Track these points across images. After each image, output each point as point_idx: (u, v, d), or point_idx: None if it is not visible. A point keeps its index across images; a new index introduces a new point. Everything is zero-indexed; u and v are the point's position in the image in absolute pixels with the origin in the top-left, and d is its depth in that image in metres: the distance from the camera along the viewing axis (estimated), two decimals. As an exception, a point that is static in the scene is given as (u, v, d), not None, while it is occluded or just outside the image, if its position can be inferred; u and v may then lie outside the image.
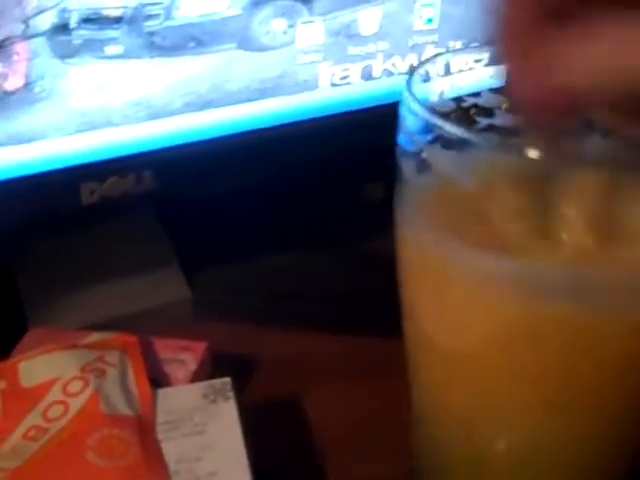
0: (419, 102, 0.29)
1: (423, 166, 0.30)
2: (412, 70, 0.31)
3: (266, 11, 0.46)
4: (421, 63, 0.32)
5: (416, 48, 0.51)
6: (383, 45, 0.50)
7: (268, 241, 0.55)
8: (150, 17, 0.42)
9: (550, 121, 0.26)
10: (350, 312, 0.51)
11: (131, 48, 0.43)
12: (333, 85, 0.50)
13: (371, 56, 0.50)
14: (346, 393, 0.46)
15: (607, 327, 0.30)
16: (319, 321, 0.51)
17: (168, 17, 0.43)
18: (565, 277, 0.29)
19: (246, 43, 0.46)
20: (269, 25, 0.46)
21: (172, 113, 0.46)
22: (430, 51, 0.51)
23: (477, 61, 0.42)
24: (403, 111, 0.30)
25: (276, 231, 0.56)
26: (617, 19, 0.24)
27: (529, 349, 0.30)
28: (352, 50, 0.50)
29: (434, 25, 0.51)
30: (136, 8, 0.42)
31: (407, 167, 0.30)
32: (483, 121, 0.37)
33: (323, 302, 0.52)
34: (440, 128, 0.28)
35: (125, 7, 0.42)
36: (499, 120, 0.37)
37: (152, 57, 0.44)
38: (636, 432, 0.33)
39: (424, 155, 0.29)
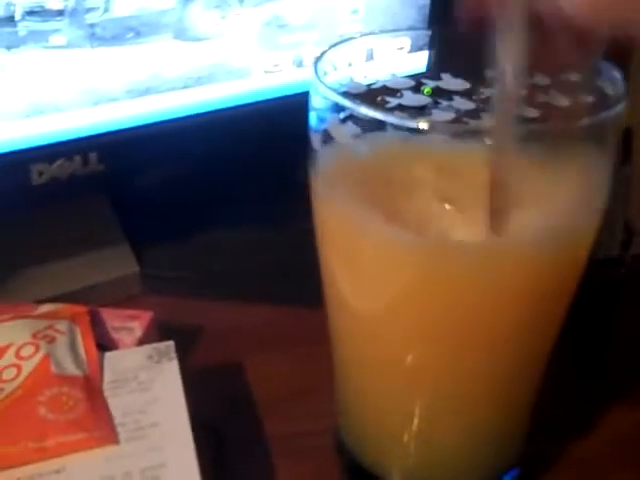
0: (324, 83, 0.32)
1: (329, 139, 0.32)
2: (321, 54, 0.34)
3: (199, 4, 0.47)
4: (330, 47, 0.34)
5: (343, 38, 0.54)
6: (312, 34, 0.52)
7: (210, 221, 0.57)
8: (90, 10, 0.44)
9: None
10: (283, 284, 0.54)
11: (73, 39, 0.44)
12: (266, 72, 0.52)
13: (301, 45, 0.52)
14: (279, 358, 0.49)
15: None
16: (256, 293, 0.54)
17: (107, 10, 0.45)
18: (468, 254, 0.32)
19: (181, 34, 0.48)
20: (203, 17, 0.48)
21: (114, 99, 0.48)
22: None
23: (400, 49, 0.46)
24: (311, 91, 0.33)
25: (217, 211, 0.58)
26: None
27: (432, 308, 0.33)
28: (283, 39, 0.51)
29: (359, 16, 0.53)
30: (77, 1, 0.44)
31: (316, 141, 0.33)
32: (393, 101, 0.40)
33: (259, 276, 0.55)
34: (344, 107, 0.31)
35: (66, 0, 0.43)
36: (407, 100, 0.40)
37: (93, 47, 0.45)
38: (534, 368, 0.37)
39: (329, 129, 0.32)
